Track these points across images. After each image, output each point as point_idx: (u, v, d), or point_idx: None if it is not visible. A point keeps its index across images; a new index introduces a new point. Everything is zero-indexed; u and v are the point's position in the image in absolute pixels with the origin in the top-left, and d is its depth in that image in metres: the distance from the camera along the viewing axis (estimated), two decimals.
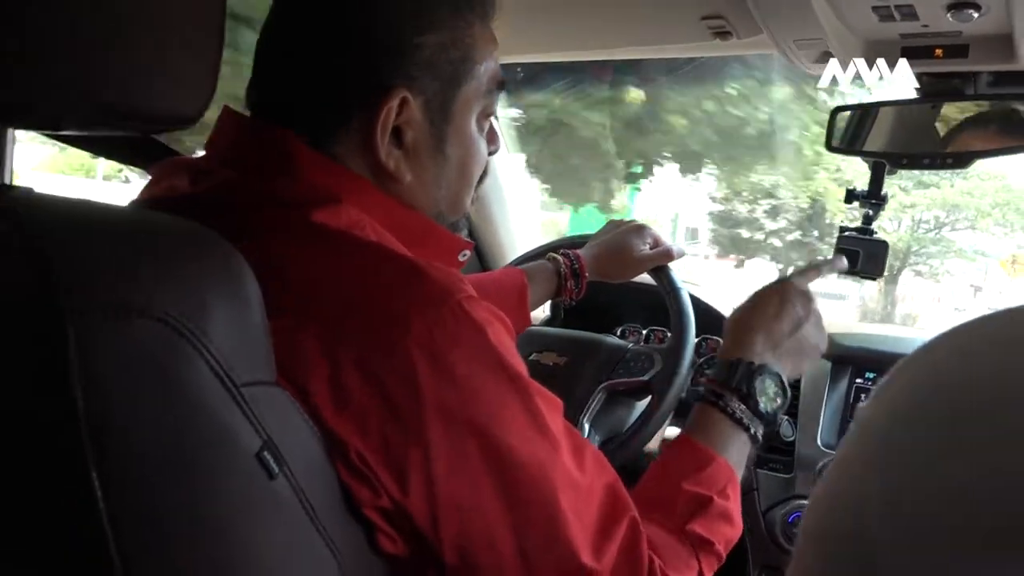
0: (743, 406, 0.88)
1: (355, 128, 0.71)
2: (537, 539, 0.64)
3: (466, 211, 0.83)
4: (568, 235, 1.35)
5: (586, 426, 1.20)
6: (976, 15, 0.96)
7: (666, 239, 1.26)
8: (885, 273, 1.30)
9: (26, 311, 0.47)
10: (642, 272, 1.26)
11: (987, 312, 0.30)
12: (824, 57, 1.12)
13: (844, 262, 1.08)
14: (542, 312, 1.64)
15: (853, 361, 1.42)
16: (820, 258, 1.06)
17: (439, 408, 0.60)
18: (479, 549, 0.63)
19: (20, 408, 0.48)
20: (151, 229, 0.54)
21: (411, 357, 0.60)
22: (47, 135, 0.80)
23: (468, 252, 0.80)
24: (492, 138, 0.83)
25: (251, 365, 0.55)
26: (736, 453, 0.87)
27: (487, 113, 0.79)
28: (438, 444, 0.60)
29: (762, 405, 0.88)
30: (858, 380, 1.42)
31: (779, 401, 0.89)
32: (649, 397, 1.20)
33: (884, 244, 1.26)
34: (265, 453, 0.54)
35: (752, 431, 0.88)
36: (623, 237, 1.24)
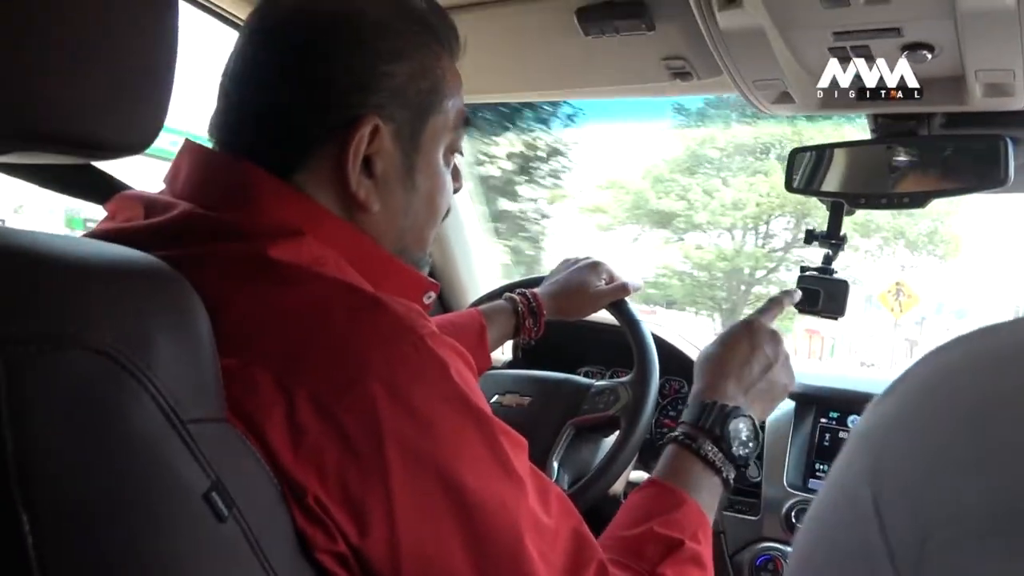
0: (716, 449, 0.87)
1: (323, 157, 0.69)
2: None
3: (429, 247, 0.81)
4: (525, 277, 1.34)
5: (555, 466, 1.18)
6: (930, 57, 0.98)
7: (621, 274, 1.26)
8: (846, 312, 1.31)
9: None
10: (600, 308, 1.26)
11: (988, 325, 0.30)
12: (783, 97, 1.13)
13: (799, 293, 1.09)
14: (502, 354, 1.62)
15: (817, 401, 1.42)
16: (778, 292, 1.07)
17: (400, 446, 0.58)
18: None
19: None
20: (94, 257, 0.52)
21: (371, 393, 0.58)
22: None
23: (433, 294, 0.78)
24: (456, 175, 0.82)
25: (199, 401, 0.52)
26: (708, 497, 0.86)
27: (453, 148, 0.79)
28: (399, 483, 0.58)
29: (735, 448, 0.88)
30: (823, 420, 1.41)
31: (752, 445, 0.89)
32: (616, 432, 1.18)
33: (845, 283, 1.27)
34: (213, 494, 0.51)
35: (724, 475, 0.87)
36: (579, 274, 1.24)
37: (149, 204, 0.70)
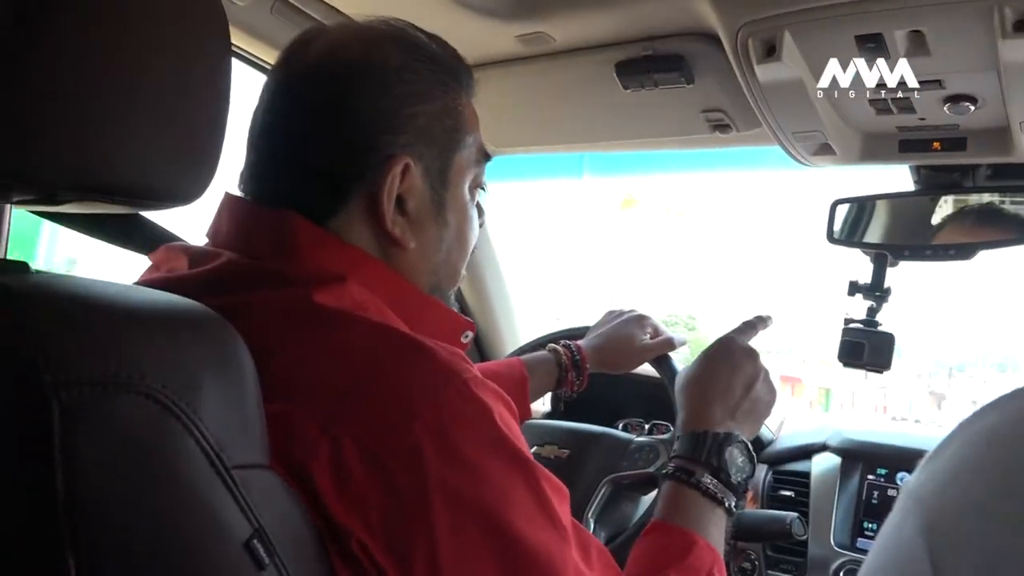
0: (715, 480, 0.85)
1: (357, 200, 0.71)
2: None
3: (459, 282, 0.82)
4: (569, 328, 1.34)
5: (591, 522, 1.16)
6: (973, 108, 0.97)
7: (666, 328, 1.25)
8: (892, 366, 1.28)
9: (10, 386, 0.45)
10: (643, 363, 1.25)
11: None
12: (824, 149, 1.13)
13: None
14: (542, 405, 1.61)
15: (864, 457, 1.39)
16: (755, 316, 1.04)
17: (444, 490, 0.58)
18: None
19: None
20: (144, 304, 0.53)
21: (415, 436, 0.58)
22: (40, 213, 0.80)
23: (471, 333, 0.79)
24: (480, 211, 0.83)
25: (244, 446, 0.52)
26: (715, 530, 0.84)
27: (477, 183, 0.80)
28: (442, 528, 0.57)
29: (734, 476, 0.86)
30: (870, 476, 1.38)
31: (748, 469, 0.88)
32: (655, 491, 1.16)
33: (890, 336, 1.25)
34: (255, 541, 0.51)
35: (727, 504, 0.85)
36: (624, 327, 1.24)
37: (193, 255, 0.72)
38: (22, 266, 0.54)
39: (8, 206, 0.56)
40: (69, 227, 0.96)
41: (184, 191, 0.58)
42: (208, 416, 0.49)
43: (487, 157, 0.81)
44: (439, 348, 0.63)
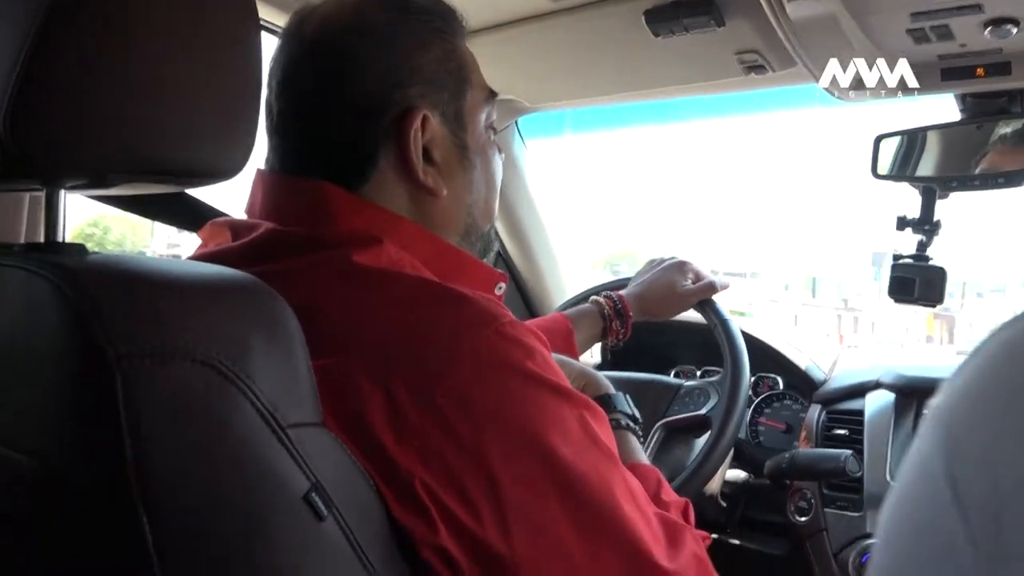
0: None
1: (385, 161, 0.74)
2: (608, 546, 0.64)
3: (494, 218, 0.85)
4: (611, 280, 1.35)
5: None
6: (1015, 31, 0.94)
7: (708, 273, 1.26)
8: (944, 299, 1.26)
9: (74, 360, 0.49)
10: (687, 308, 1.26)
11: None
12: (862, 83, 1.11)
13: None
14: (591, 357, 1.63)
15: (919, 392, 1.37)
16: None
17: (495, 425, 0.61)
18: (553, 566, 0.62)
19: (69, 454, 0.50)
20: (194, 277, 0.56)
21: (463, 377, 0.61)
22: (94, 196, 0.84)
23: (504, 285, 0.81)
24: (499, 148, 0.86)
25: (297, 407, 0.55)
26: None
27: (490, 122, 0.82)
28: (498, 462, 0.61)
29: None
30: (926, 411, 1.36)
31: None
32: (707, 432, 1.18)
33: (941, 270, 1.23)
34: (313, 495, 0.54)
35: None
36: (664, 274, 1.25)
37: (235, 228, 0.75)
38: (79, 248, 0.57)
39: (63, 192, 0.59)
40: (120, 208, 1.00)
41: (226, 166, 0.61)
42: (260, 379, 0.52)
43: (493, 95, 0.83)
44: (477, 296, 0.66)
